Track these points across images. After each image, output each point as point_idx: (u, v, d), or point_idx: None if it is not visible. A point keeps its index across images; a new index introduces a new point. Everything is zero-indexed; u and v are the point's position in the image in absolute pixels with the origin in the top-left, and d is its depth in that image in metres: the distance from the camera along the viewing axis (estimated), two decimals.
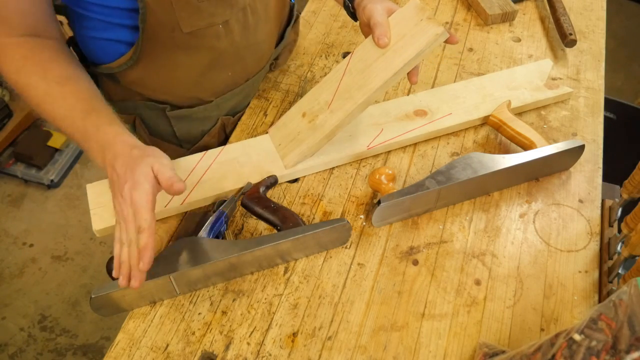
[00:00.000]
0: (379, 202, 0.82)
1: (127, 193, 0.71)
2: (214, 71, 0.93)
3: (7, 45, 0.79)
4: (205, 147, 0.96)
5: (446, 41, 0.85)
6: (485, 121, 0.99)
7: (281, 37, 1.08)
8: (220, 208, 0.82)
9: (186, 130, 1.00)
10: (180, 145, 1.02)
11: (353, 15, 0.94)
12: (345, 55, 1.14)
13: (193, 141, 1.02)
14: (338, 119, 0.87)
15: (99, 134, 0.76)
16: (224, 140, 1.04)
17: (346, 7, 0.94)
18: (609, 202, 0.90)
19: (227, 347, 0.74)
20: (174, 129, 0.99)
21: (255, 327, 0.75)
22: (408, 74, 0.87)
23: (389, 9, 0.87)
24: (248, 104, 1.05)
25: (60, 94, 0.78)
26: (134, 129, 1.01)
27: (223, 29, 0.87)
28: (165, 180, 0.72)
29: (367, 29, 0.89)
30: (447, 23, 1.21)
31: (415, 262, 0.82)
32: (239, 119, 1.03)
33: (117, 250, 0.72)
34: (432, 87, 1.07)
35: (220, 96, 0.98)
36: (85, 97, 0.79)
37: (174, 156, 1.00)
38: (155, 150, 0.76)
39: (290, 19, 1.10)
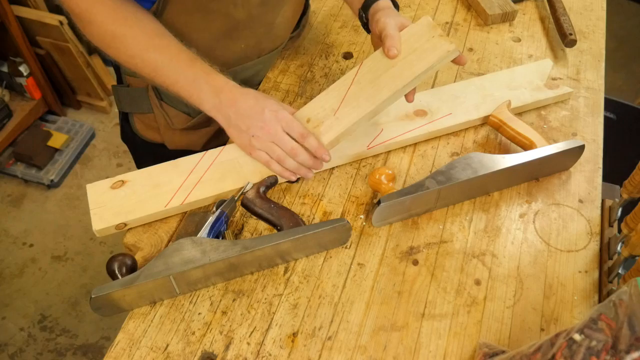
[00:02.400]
0: (379, 202, 0.82)
1: (270, 115, 0.84)
2: (228, 40, 0.97)
3: None
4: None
5: (454, 61, 0.87)
6: (485, 121, 0.99)
7: (297, 26, 1.13)
8: (220, 208, 0.82)
9: None
10: (189, 114, 1.04)
11: (366, 26, 0.97)
12: (345, 55, 1.14)
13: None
14: (344, 126, 0.88)
15: (210, 78, 0.85)
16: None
17: (360, 17, 0.96)
18: (609, 202, 0.90)
19: (227, 347, 0.74)
20: None
21: (255, 327, 0.76)
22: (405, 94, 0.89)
23: (401, 23, 0.89)
24: (257, 82, 1.08)
25: (160, 44, 0.85)
26: (146, 94, 1.02)
27: None
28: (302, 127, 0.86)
29: (378, 41, 0.91)
30: (447, 23, 1.21)
31: (415, 262, 0.82)
32: None
33: (278, 168, 0.86)
34: (432, 87, 1.07)
35: (232, 68, 1.00)
36: (183, 47, 0.86)
37: (182, 123, 1.03)
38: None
39: (305, 9, 1.15)
